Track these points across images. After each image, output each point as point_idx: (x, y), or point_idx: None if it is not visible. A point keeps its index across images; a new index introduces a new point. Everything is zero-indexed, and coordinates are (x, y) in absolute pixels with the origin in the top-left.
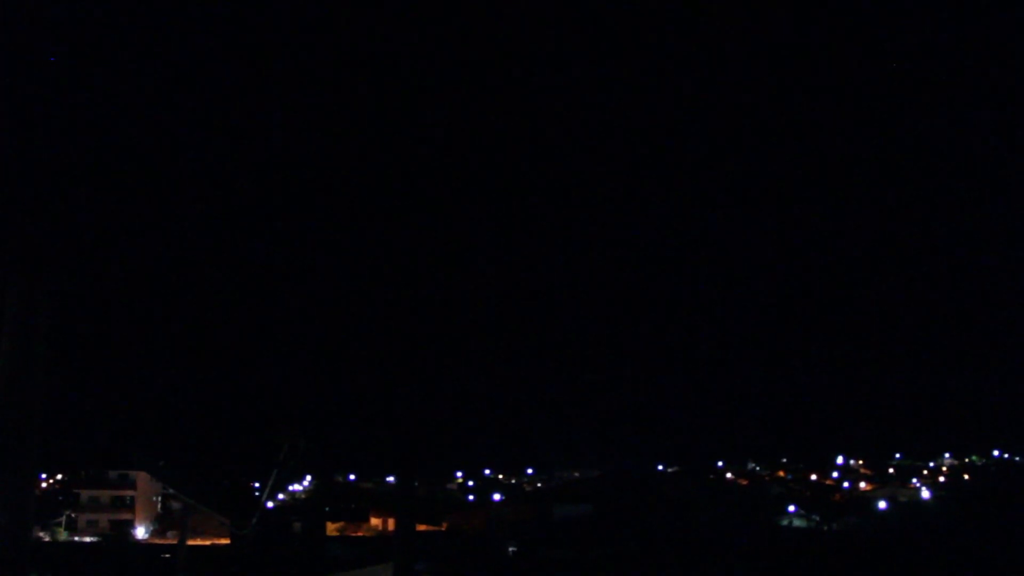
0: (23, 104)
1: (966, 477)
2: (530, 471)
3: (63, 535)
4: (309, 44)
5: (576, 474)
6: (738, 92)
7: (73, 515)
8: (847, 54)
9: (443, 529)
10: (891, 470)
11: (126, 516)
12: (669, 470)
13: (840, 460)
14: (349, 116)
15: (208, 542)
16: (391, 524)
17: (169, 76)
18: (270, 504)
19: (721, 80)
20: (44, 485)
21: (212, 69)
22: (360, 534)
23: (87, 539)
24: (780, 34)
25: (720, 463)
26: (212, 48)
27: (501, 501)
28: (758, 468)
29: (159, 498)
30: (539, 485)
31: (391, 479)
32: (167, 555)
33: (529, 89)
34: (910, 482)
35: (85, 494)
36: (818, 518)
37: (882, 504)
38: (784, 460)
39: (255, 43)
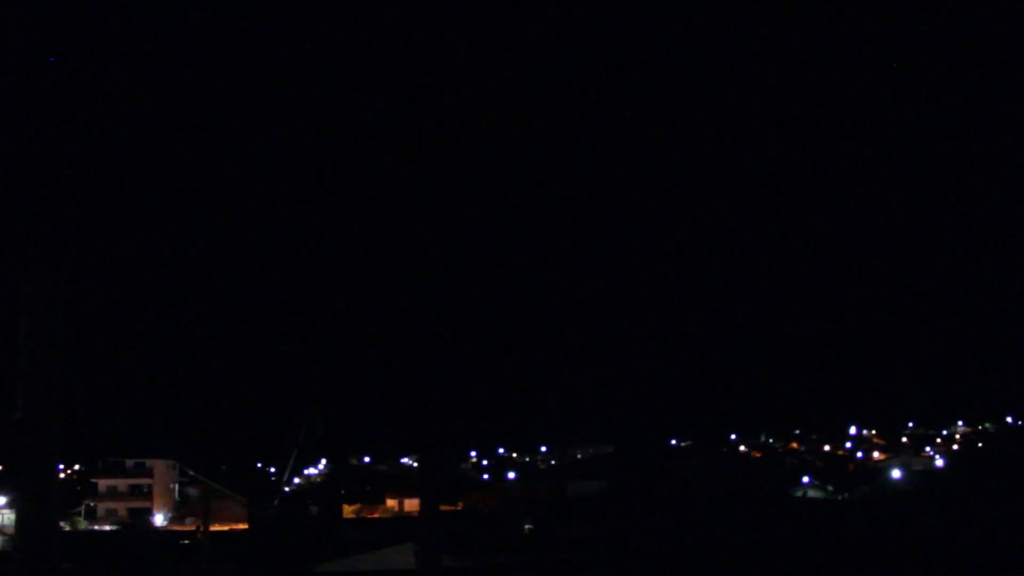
0: (33, 109)
1: (980, 445)
2: (544, 449)
3: (83, 524)
4: (307, 45)
5: (590, 450)
6: (741, 90)
7: (92, 504)
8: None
9: (459, 509)
10: (904, 439)
11: (144, 504)
12: (682, 444)
13: (853, 430)
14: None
15: (226, 527)
16: (407, 505)
17: (174, 79)
18: (287, 488)
19: (723, 79)
20: (63, 475)
21: (218, 71)
22: (376, 516)
23: (106, 527)
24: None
25: (733, 436)
26: (216, 50)
27: (516, 479)
28: (771, 440)
29: (176, 486)
30: (553, 462)
31: (406, 461)
32: (186, 541)
33: (543, 88)
34: (923, 450)
35: (103, 483)
36: (832, 488)
37: (896, 473)
38: (797, 431)
39: (255, 44)
